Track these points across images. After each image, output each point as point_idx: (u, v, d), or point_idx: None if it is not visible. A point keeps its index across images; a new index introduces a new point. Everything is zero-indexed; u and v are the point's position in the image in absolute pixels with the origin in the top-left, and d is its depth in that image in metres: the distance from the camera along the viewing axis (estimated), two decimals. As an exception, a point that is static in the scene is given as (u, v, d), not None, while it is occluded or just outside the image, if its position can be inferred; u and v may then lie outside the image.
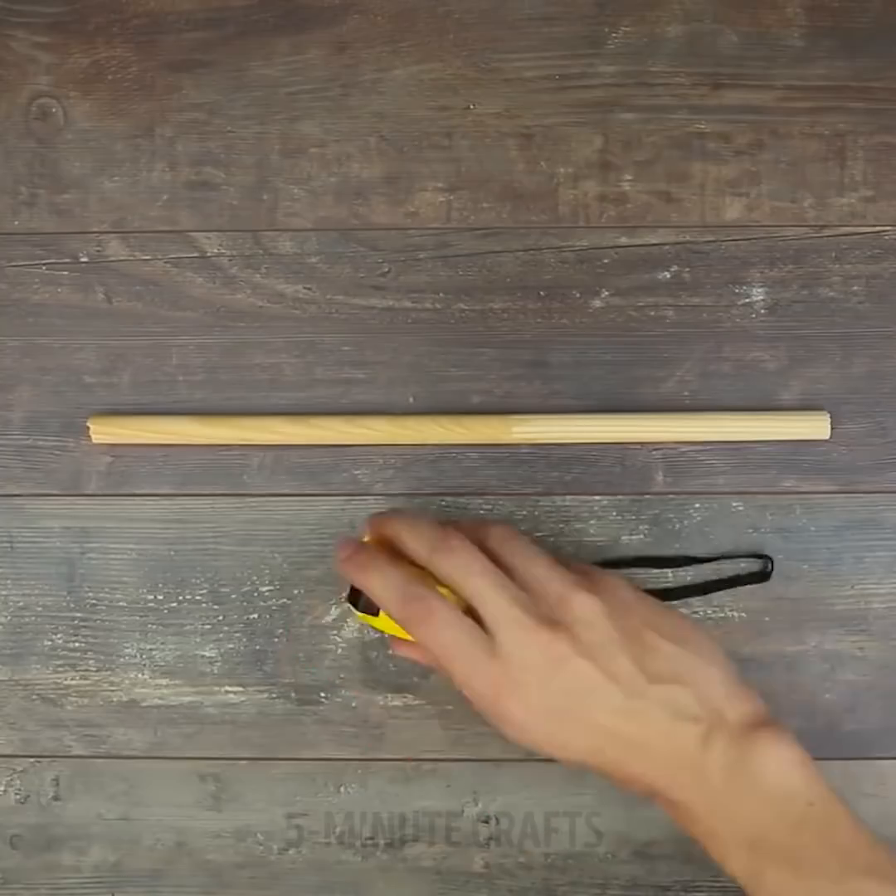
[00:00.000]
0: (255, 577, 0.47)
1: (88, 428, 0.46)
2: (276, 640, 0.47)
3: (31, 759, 0.47)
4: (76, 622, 0.47)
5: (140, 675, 0.47)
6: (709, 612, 0.46)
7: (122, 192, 0.47)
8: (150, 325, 0.47)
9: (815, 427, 0.45)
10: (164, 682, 0.47)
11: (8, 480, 0.47)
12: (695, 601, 0.46)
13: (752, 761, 0.35)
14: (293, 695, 0.47)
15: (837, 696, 0.46)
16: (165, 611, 0.47)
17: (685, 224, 0.46)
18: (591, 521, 0.46)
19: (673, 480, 0.46)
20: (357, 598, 0.39)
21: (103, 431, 0.46)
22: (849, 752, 0.46)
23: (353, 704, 0.47)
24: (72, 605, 0.47)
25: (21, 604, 0.47)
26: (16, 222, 0.47)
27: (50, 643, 0.47)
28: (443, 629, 0.36)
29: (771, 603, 0.46)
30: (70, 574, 0.47)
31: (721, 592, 0.46)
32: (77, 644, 0.47)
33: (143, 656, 0.47)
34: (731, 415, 0.45)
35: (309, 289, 0.47)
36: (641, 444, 0.46)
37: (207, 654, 0.47)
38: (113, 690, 0.47)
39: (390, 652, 0.46)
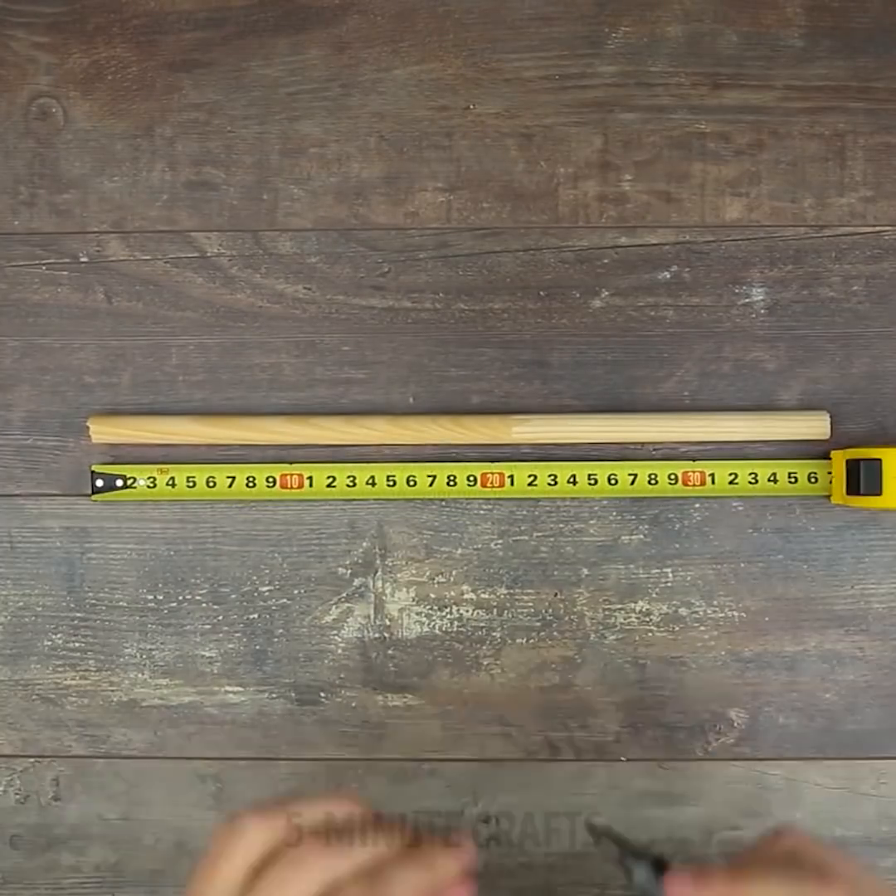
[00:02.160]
0: (255, 577, 0.47)
1: (88, 428, 0.46)
2: (276, 640, 0.47)
3: (31, 759, 0.47)
4: (76, 622, 0.47)
5: (140, 675, 0.47)
6: (709, 612, 0.46)
7: (121, 192, 0.47)
8: (150, 325, 0.47)
9: (815, 427, 0.45)
10: (164, 682, 0.47)
11: (8, 480, 0.47)
12: (694, 600, 0.46)
13: None
14: (293, 695, 0.47)
15: (837, 696, 0.46)
16: (165, 611, 0.47)
17: (685, 224, 0.46)
18: (591, 521, 0.46)
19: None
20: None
21: (103, 431, 0.46)
22: (848, 752, 0.46)
23: (353, 704, 0.47)
24: (72, 605, 0.47)
25: (21, 604, 0.47)
26: (16, 222, 0.47)
27: (50, 643, 0.47)
28: None
29: (771, 603, 0.46)
30: (70, 574, 0.47)
31: (721, 592, 0.46)
32: (77, 644, 0.47)
33: (143, 656, 0.47)
34: (731, 415, 0.45)
35: (309, 289, 0.47)
36: (641, 443, 0.46)
37: (207, 654, 0.47)
38: (113, 690, 0.47)
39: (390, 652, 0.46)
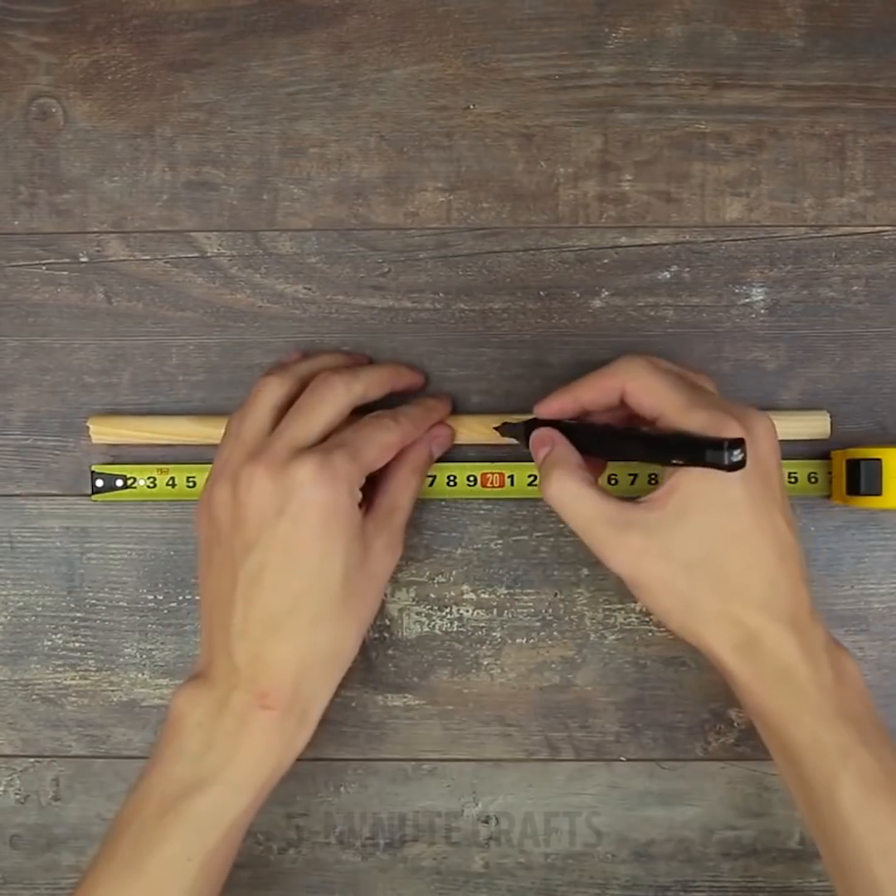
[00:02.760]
0: (255, 577, 0.47)
1: (88, 428, 0.46)
2: (276, 640, 0.46)
3: (31, 759, 0.47)
4: (76, 622, 0.47)
5: (140, 675, 0.47)
6: (709, 612, 0.46)
7: (121, 192, 0.47)
8: (150, 325, 0.47)
9: (815, 427, 0.45)
10: (164, 682, 0.47)
11: (8, 480, 0.47)
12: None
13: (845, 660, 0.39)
14: (293, 695, 0.47)
15: (837, 696, 0.46)
16: (165, 611, 0.47)
17: (685, 224, 0.46)
18: (591, 521, 0.46)
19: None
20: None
21: (103, 431, 0.46)
22: (849, 752, 0.46)
23: (353, 704, 0.47)
24: (72, 605, 0.47)
25: (21, 604, 0.47)
26: (16, 222, 0.47)
27: (50, 643, 0.47)
28: None
29: (771, 603, 0.46)
30: (70, 574, 0.47)
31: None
32: (77, 644, 0.47)
33: (143, 656, 0.47)
34: (731, 415, 0.45)
35: (309, 289, 0.47)
36: (641, 444, 0.46)
37: (207, 654, 0.47)
38: (113, 690, 0.47)
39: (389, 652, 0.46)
